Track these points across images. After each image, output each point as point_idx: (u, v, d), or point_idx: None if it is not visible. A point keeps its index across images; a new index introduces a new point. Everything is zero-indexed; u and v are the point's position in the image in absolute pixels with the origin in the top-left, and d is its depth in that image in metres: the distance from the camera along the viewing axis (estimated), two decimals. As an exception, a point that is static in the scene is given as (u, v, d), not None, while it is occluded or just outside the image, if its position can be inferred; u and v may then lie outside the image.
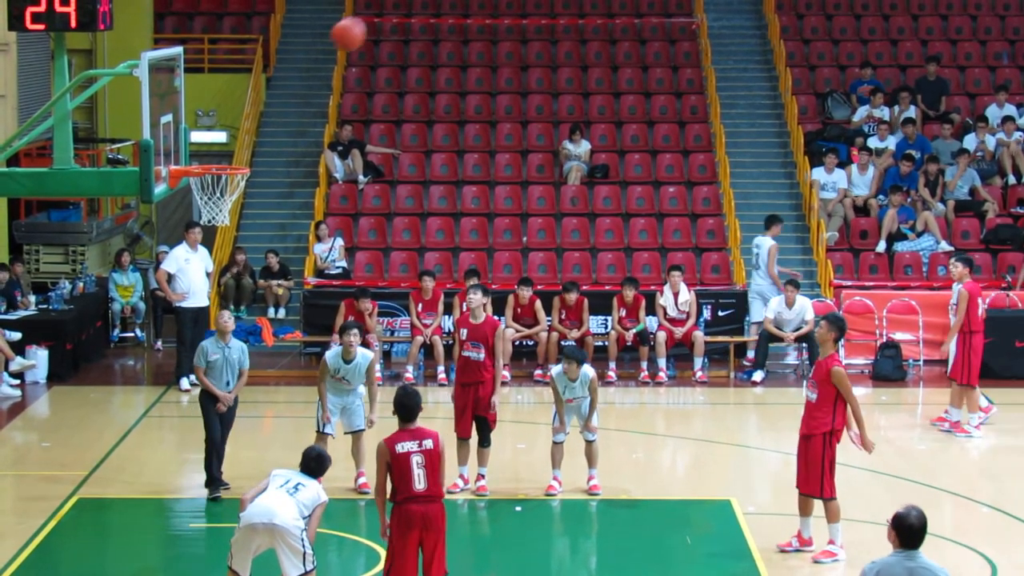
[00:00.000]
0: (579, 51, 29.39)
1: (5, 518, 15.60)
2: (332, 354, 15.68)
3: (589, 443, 15.78)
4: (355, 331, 15.56)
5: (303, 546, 11.48)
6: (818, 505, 13.73)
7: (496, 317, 17.41)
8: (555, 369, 15.80)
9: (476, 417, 15.82)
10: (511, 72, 28.89)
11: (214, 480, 15.63)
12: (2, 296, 22.37)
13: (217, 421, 15.57)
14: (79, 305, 23.05)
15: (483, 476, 15.85)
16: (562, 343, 21.37)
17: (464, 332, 15.92)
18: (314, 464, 11.96)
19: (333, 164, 26.10)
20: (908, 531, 8.86)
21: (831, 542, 13.73)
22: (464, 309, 21.36)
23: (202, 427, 15.54)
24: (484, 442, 15.89)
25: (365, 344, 17.45)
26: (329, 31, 15.09)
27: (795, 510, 13.89)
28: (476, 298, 16.03)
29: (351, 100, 28.03)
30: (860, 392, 21.51)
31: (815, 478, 13.60)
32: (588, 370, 15.61)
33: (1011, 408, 20.55)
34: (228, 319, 15.68)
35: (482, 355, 15.77)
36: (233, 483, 15.59)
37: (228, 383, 15.51)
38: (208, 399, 15.56)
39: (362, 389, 15.80)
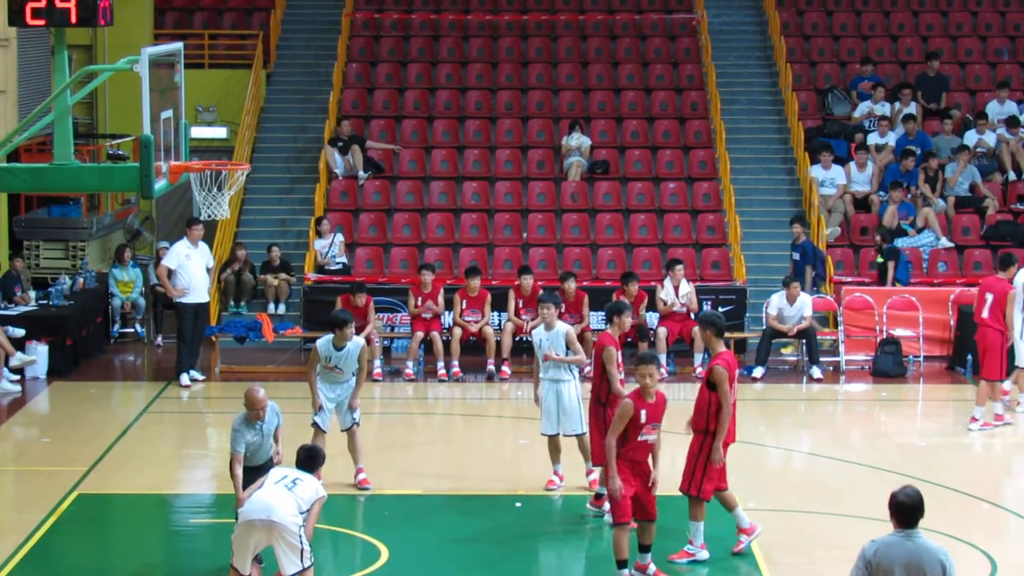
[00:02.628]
0: (579, 47, 29.37)
1: (5, 513, 15.61)
2: (323, 341, 15.44)
3: (579, 436, 15.51)
4: (352, 323, 15.49)
5: (301, 542, 11.45)
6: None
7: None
8: (535, 332, 15.53)
9: None
10: (511, 68, 28.87)
11: None
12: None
13: None
14: (79, 301, 23.05)
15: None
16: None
17: (620, 355, 14.76)
18: (306, 459, 11.95)
19: (333, 160, 26.10)
20: (900, 509, 9.02)
21: (691, 542, 13.47)
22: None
23: (203, 425, 15.47)
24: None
25: (366, 340, 17.40)
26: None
27: (794, 507, 13.88)
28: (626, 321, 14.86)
29: (351, 96, 28.01)
30: (860, 388, 21.56)
31: (687, 473, 13.42)
32: (564, 325, 15.37)
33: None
34: (261, 401, 12.95)
35: None
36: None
37: (270, 458, 13.25)
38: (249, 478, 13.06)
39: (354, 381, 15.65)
